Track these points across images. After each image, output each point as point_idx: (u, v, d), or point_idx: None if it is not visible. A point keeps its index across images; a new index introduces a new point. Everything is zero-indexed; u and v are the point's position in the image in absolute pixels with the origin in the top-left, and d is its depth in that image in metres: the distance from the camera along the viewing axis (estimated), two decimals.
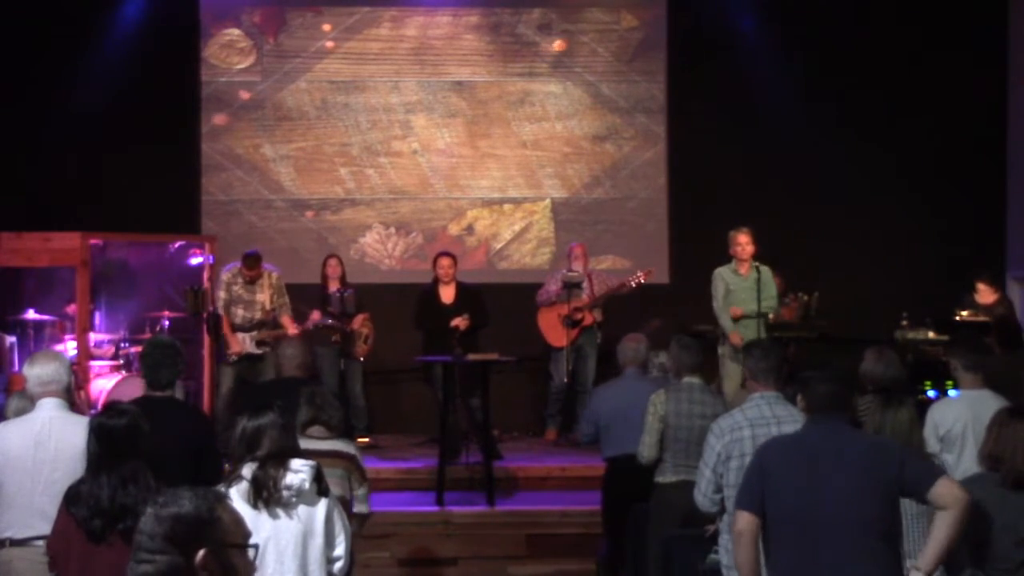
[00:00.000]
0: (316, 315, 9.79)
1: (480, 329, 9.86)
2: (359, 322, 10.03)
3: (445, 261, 9.99)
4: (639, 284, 10.13)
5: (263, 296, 9.62)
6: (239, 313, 9.56)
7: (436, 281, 9.98)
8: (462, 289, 9.94)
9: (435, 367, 9.40)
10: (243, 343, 9.52)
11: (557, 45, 11.72)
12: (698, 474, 5.30)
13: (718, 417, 6.14)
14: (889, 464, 4.03)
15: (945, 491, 3.97)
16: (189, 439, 5.23)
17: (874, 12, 11.37)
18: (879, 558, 4.02)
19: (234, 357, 9.47)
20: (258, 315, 9.59)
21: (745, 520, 4.10)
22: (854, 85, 11.36)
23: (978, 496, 4.32)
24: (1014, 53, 11.46)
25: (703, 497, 5.26)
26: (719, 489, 5.15)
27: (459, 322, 9.60)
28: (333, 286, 10.03)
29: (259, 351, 9.53)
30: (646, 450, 6.35)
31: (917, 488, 4.01)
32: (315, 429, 5.52)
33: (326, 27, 11.67)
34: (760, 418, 5.12)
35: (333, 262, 10.26)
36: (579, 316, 10.09)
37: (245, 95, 11.60)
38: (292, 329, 9.48)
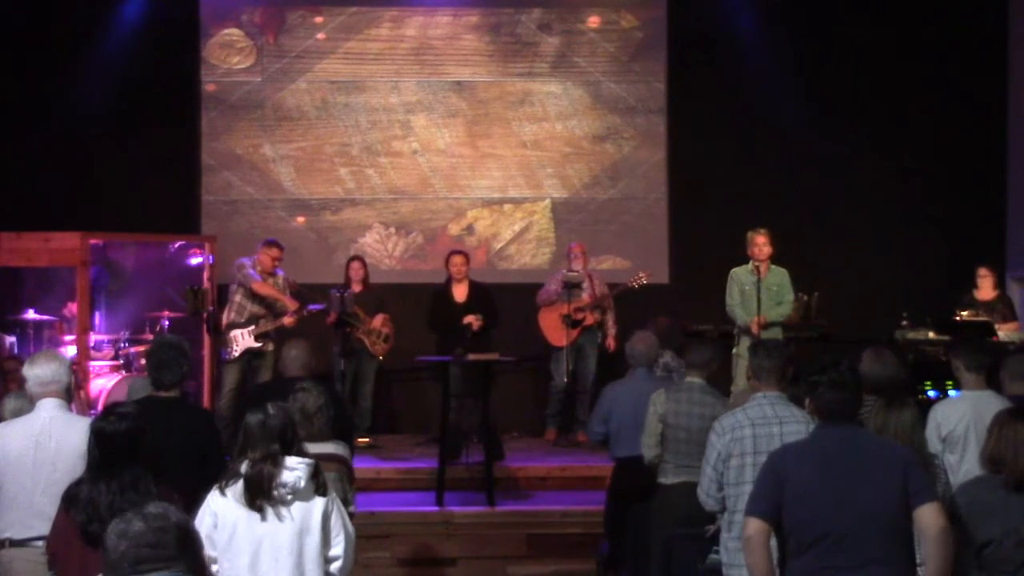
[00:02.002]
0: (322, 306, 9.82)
1: (491, 328, 9.88)
2: (380, 321, 10.05)
3: (458, 259, 10.03)
4: (640, 285, 10.13)
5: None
6: (247, 308, 9.63)
7: (449, 280, 9.99)
8: (474, 287, 9.96)
9: (452, 367, 9.37)
10: (243, 339, 9.57)
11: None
12: (700, 472, 5.31)
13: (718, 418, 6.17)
14: (898, 469, 4.04)
15: (926, 516, 4.01)
16: (194, 439, 5.22)
17: (874, 12, 11.36)
18: (897, 561, 4.02)
19: (237, 352, 9.53)
20: (263, 311, 9.67)
21: (755, 527, 4.09)
22: (854, 84, 11.36)
23: (980, 498, 4.32)
24: (1014, 53, 11.45)
25: (705, 495, 5.27)
26: (721, 487, 5.15)
27: (471, 319, 9.60)
28: (357, 288, 10.04)
29: (258, 344, 9.57)
30: (647, 450, 6.36)
31: (911, 502, 4.03)
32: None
33: (326, 26, 11.66)
34: (762, 418, 5.11)
35: (356, 264, 10.28)
36: (580, 316, 10.09)
37: (245, 95, 11.59)
38: (289, 318, 9.55)
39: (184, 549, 2.57)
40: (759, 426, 5.08)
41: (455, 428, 9.18)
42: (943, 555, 4.01)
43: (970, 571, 4.27)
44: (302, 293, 9.86)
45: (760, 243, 9.25)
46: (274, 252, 9.74)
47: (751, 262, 9.27)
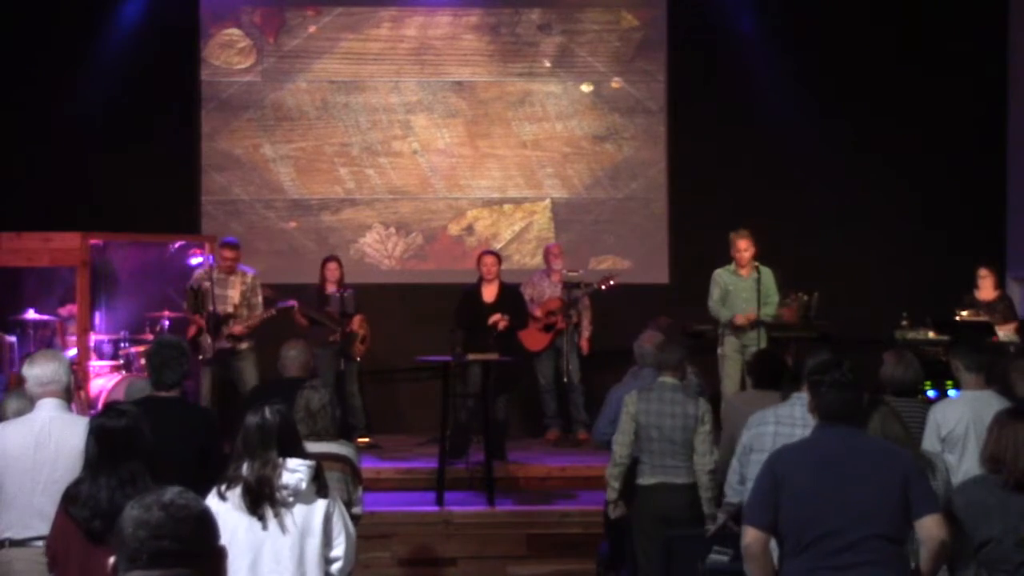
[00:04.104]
0: (265, 290, 9.78)
1: (518, 329, 9.90)
2: (357, 323, 10.05)
3: (489, 259, 10.01)
4: (607, 287, 10.13)
5: (233, 292, 9.66)
6: (208, 307, 9.59)
7: (480, 280, 10.01)
8: (504, 288, 9.98)
9: (472, 367, 9.38)
10: (213, 341, 9.54)
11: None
12: (729, 466, 5.36)
13: (689, 417, 6.20)
14: (898, 473, 4.04)
15: (928, 526, 4.02)
16: (194, 439, 5.23)
17: (874, 11, 11.37)
18: (892, 563, 4.01)
19: (209, 353, 9.48)
20: (229, 309, 9.61)
21: (752, 536, 4.09)
22: (853, 85, 11.37)
23: (979, 497, 4.32)
24: (1014, 53, 11.45)
25: (728, 487, 5.31)
26: (744, 480, 5.18)
27: (497, 319, 9.62)
28: (331, 289, 10.03)
29: (229, 345, 9.52)
30: (618, 448, 6.35)
31: (914, 511, 4.03)
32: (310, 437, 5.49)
33: (326, 26, 11.66)
34: (788, 417, 5.13)
35: (332, 266, 10.23)
36: (552, 320, 10.16)
37: (245, 95, 11.59)
38: (239, 324, 9.52)
39: (203, 540, 2.47)
40: (782, 425, 5.12)
41: (464, 427, 9.19)
42: (936, 563, 4.05)
43: (968, 570, 4.28)
44: (269, 297, 9.83)
45: (742, 247, 9.25)
46: (225, 252, 9.66)
47: (733, 263, 9.30)
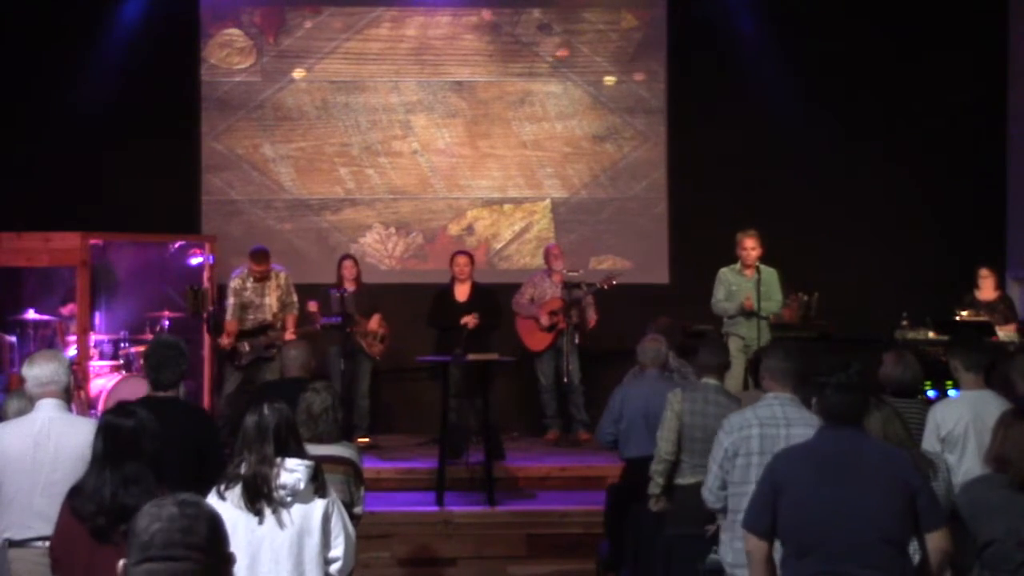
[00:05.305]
0: (312, 305, 9.82)
1: (492, 329, 9.89)
2: (376, 322, 10.07)
3: (461, 259, 10.05)
4: (610, 286, 10.13)
5: (271, 299, 9.75)
6: (249, 317, 9.68)
7: (453, 280, 10.02)
8: (476, 288, 9.99)
9: (450, 366, 9.39)
10: (252, 349, 9.62)
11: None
12: (707, 470, 5.32)
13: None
14: (901, 481, 4.03)
15: (934, 540, 4.03)
16: (192, 440, 5.22)
17: (874, 12, 11.36)
18: (894, 566, 4.00)
19: (245, 361, 9.57)
20: (268, 318, 9.67)
21: (753, 543, 4.08)
22: (854, 85, 11.37)
23: (983, 497, 4.32)
24: (1014, 53, 11.45)
25: (709, 493, 5.27)
26: (725, 486, 5.15)
27: (468, 319, 9.62)
28: (349, 287, 10.05)
29: (267, 355, 9.61)
30: (663, 444, 6.35)
31: (921, 524, 4.02)
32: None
33: (326, 26, 11.66)
34: (770, 418, 5.10)
35: (348, 263, 10.25)
36: (555, 320, 10.15)
37: (245, 95, 11.59)
38: (290, 333, 9.57)
39: (214, 541, 2.52)
40: (766, 426, 5.08)
41: (459, 427, 9.19)
42: (941, 571, 4.06)
43: (971, 570, 4.28)
44: (309, 314, 9.86)
45: (748, 246, 9.26)
46: (254, 265, 9.72)
47: (739, 263, 9.30)
